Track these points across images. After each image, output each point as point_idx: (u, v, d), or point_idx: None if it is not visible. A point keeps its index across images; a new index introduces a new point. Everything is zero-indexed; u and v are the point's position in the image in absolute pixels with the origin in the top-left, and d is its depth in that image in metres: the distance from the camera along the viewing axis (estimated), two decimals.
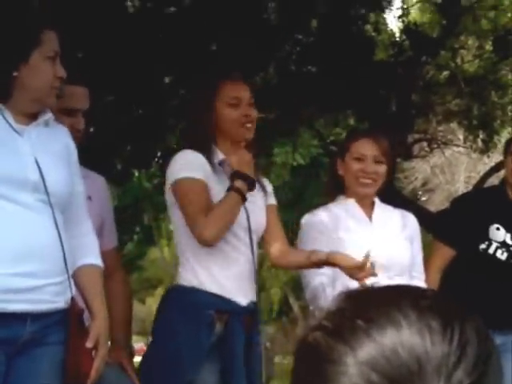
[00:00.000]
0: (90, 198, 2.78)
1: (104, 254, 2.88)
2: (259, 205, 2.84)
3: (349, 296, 0.84)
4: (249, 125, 2.76)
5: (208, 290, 2.68)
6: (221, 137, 2.78)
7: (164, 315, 2.73)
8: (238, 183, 2.63)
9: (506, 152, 3.48)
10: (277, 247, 2.85)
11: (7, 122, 2.25)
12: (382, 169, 2.93)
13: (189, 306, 2.68)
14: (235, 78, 2.83)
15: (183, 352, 2.61)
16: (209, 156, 2.75)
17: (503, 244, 3.32)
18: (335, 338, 0.79)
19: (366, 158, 2.91)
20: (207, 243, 2.64)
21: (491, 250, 3.31)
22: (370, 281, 2.60)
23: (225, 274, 2.71)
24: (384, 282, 2.79)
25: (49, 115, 2.34)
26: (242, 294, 2.71)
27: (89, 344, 2.24)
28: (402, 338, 0.77)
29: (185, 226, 2.73)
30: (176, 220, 2.77)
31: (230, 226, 2.65)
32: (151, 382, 2.69)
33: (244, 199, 2.65)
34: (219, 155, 2.78)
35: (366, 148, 2.92)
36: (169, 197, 2.79)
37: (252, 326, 2.72)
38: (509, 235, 3.34)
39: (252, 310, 2.73)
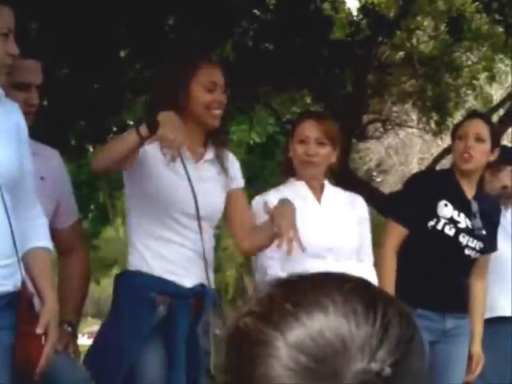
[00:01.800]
0: (42, 178, 2.74)
1: (63, 231, 2.87)
2: (213, 190, 2.82)
3: (277, 282, 0.86)
4: (217, 111, 2.74)
5: (151, 273, 2.69)
6: (187, 119, 2.73)
7: (113, 300, 2.76)
8: (142, 128, 2.54)
9: (453, 136, 3.56)
10: (244, 236, 2.84)
11: None
12: (325, 150, 2.95)
13: (132, 289, 2.71)
14: (212, 62, 2.81)
15: (124, 334, 2.64)
16: None
17: (451, 220, 3.39)
18: (265, 322, 0.82)
19: (308, 140, 2.94)
20: (95, 172, 2.73)
21: (439, 226, 3.38)
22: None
23: (170, 258, 2.72)
24: (332, 265, 2.85)
25: (0, 92, 2.29)
26: (187, 276, 2.72)
27: (39, 330, 2.21)
28: (329, 321, 0.80)
29: (133, 207, 2.76)
30: (127, 201, 2.80)
31: (116, 157, 2.58)
32: (98, 365, 2.70)
33: (140, 142, 2.57)
34: None
35: (309, 130, 2.95)
36: (124, 175, 2.79)
37: (200, 309, 2.72)
38: (456, 212, 3.41)
39: (200, 293, 2.72)
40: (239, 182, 2.93)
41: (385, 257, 3.34)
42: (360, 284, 0.85)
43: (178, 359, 2.64)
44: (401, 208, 3.48)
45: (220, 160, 2.84)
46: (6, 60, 2.26)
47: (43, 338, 2.24)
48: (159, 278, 2.69)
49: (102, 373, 2.68)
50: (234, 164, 2.92)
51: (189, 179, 2.74)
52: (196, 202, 2.73)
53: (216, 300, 2.78)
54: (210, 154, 2.83)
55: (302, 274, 0.87)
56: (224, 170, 2.84)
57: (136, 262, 2.75)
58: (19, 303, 2.23)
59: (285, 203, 2.66)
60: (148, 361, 2.62)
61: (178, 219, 2.73)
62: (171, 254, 2.73)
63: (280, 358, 0.79)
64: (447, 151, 10.09)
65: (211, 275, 2.79)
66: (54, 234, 2.83)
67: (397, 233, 3.39)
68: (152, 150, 2.69)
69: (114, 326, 2.74)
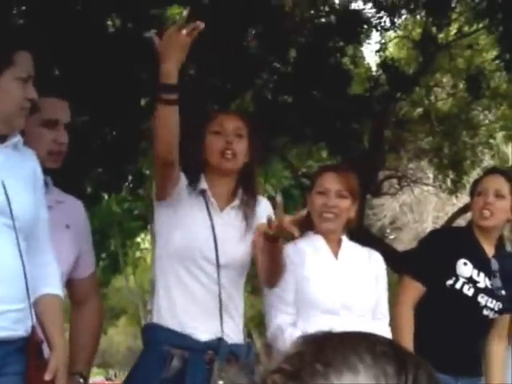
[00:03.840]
0: (67, 226, 2.73)
1: (80, 282, 2.83)
2: (236, 237, 2.77)
3: (308, 340, 0.85)
4: (229, 153, 2.71)
5: (167, 326, 2.67)
6: (207, 167, 2.75)
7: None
8: (163, 95, 2.46)
9: (472, 193, 3.49)
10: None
11: None
12: (345, 203, 2.88)
13: (148, 343, 2.71)
14: (225, 110, 2.83)
15: None
16: (193, 181, 2.73)
17: (470, 280, 3.29)
18: (294, 381, 0.81)
19: (328, 192, 2.87)
20: (159, 159, 2.55)
21: (458, 286, 3.28)
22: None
23: (187, 309, 2.68)
24: (346, 322, 2.76)
25: (17, 138, 2.30)
26: (204, 329, 2.67)
27: (47, 377, 2.17)
28: (359, 383, 0.79)
29: (158, 252, 2.76)
30: (154, 245, 2.81)
31: (172, 136, 2.51)
32: None
33: (175, 104, 2.48)
34: (203, 184, 2.75)
35: (329, 182, 2.88)
36: (154, 217, 2.79)
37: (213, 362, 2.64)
38: (475, 271, 3.32)
39: (215, 347, 2.66)
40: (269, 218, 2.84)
41: (401, 314, 3.23)
42: (390, 345, 0.83)
43: None
44: (418, 264, 3.36)
45: (244, 206, 2.80)
46: (25, 104, 2.27)
47: None
48: (174, 332, 2.65)
49: None
50: (266, 209, 2.85)
51: (212, 226, 2.72)
52: (216, 247, 2.69)
53: (233, 354, 2.67)
54: (236, 201, 2.80)
55: (331, 333, 0.86)
56: (246, 216, 2.79)
57: (154, 315, 2.75)
58: (28, 349, 2.20)
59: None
60: None
61: (198, 263, 2.69)
62: (189, 305, 2.68)
63: None
64: (463, 210, 10.04)
65: (230, 326, 2.72)
66: (71, 283, 2.83)
67: (413, 289, 3.28)
68: (186, 191, 2.72)
69: (128, 380, 2.75)
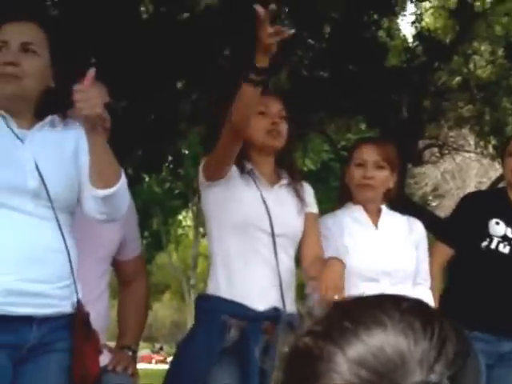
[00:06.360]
0: None
1: (126, 263, 2.89)
2: (288, 209, 2.80)
3: (335, 304, 0.90)
4: (275, 133, 2.74)
5: (224, 296, 2.69)
6: (250, 148, 2.77)
7: (193, 324, 2.81)
8: (252, 76, 2.51)
9: (503, 153, 3.50)
10: (307, 258, 2.79)
11: (10, 128, 2.23)
12: (383, 174, 2.91)
13: (205, 313, 2.72)
14: (264, 92, 2.84)
15: (197, 357, 2.64)
16: (238, 163, 2.75)
17: (504, 238, 3.29)
18: (325, 339, 0.84)
19: (366, 164, 2.91)
20: (234, 127, 2.59)
21: (493, 245, 3.29)
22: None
23: (244, 279, 2.69)
24: (387, 289, 2.77)
25: (53, 116, 2.31)
26: (261, 299, 2.68)
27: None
28: (388, 338, 0.82)
29: (214, 228, 2.77)
30: (208, 223, 2.81)
31: (251, 113, 2.57)
32: None
33: (260, 86, 2.53)
34: (247, 166, 2.78)
35: (367, 154, 2.91)
36: (203, 196, 2.81)
37: (274, 333, 2.64)
38: (509, 229, 3.32)
39: (274, 317, 2.65)
40: (313, 207, 2.89)
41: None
42: (415, 302, 0.87)
43: (251, 381, 2.58)
44: (447, 227, 3.46)
45: (294, 185, 2.83)
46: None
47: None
48: (232, 302, 2.66)
49: None
50: (308, 192, 2.92)
51: (263, 199, 2.74)
52: (270, 219, 2.71)
53: (290, 324, 2.70)
54: (284, 180, 2.84)
55: (357, 296, 0.90)
56: (298, 194, 2.83)
57: (211, 285, 2.75)
58: (76, 321, 2.22)
59: (333, 260, 2.62)
60: (221, 382, 2.61)
61: (253, 234, 2.71)
62: (246, 276, 2.69)
63: (341, 373, 0.81)
64: None
65: (288, 297, 2.73)
66: (118, 264, 2.91)
67: (440, 251, 3.33)
68: (236, 172, 2.76)
69: (187, 347, 2.74)
